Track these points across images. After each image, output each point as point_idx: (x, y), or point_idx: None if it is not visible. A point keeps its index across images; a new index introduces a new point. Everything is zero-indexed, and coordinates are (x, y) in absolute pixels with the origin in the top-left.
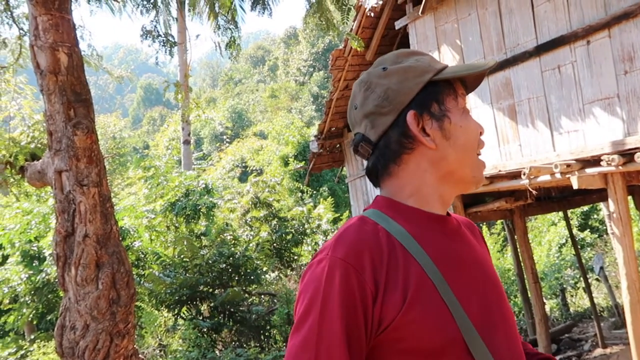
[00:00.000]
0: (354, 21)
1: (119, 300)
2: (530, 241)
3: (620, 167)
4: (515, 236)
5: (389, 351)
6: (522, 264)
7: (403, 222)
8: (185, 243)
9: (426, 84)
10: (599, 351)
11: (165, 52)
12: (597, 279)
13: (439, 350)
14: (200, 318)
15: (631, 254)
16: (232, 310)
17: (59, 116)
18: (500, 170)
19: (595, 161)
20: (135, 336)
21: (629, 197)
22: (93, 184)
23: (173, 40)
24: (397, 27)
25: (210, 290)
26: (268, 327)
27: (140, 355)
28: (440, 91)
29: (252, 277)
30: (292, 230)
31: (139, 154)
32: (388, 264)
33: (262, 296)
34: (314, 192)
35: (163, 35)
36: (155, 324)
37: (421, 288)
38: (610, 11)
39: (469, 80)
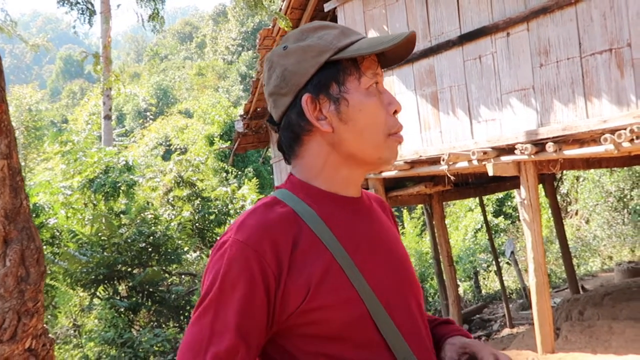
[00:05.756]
0: (283, 1)
1: (28, 278)
2: (447, 226)
3: (532, 156)
4: (433, 221)
5: (296, 336)
6: (438, 248)
7: (313, 203)
8: (103, 221)
9: (324, 64)
10: (506, 331)
11: (84, 21)
12: (507, 263)
13: (345, 335)
14: (118, 298)
15: (539, 239)
16: (151, 290)
17: None
18: (421, 156)
19: (510, 149)
20: (48, 316)
21: (540, 185)
22: (2, 156)
23: (93, 9)
24: (326, 9)
25: (129, 269)
26: (188, 308)
27: (50, 335)
28: (341, 71)
29: (172, 257)
30: (216, 210)
31: (57, 128)
32: (293, 248)
33: (183, 276)
34: (239, 172)
35: (82, 2)
36: (70, 304)
37: (328, 272)
38: (529, 5)
39: (390, 54)
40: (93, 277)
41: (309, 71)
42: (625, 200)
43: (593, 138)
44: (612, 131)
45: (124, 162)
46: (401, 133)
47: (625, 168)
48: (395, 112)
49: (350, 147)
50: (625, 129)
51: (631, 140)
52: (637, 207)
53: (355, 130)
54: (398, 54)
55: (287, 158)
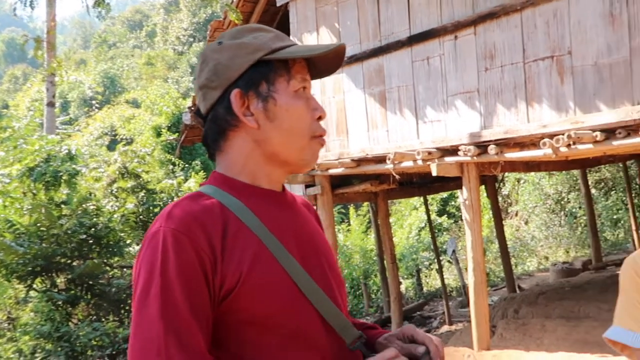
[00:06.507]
0: None
1: None
2: (392, 224)
3: (475, 158)
4: (378, 218)
5: (229, 322)
6: (382, 245)
7: (238, 195)
8: (42, 211)
9: (256, 62)
10: (445, 328)
11: (25, 4)
12: (449, 261)
13: (281, 315)
14: (55, 290)
15: (479, 239)
16: (90, 282)
17: None
18: (367, 154)
19: (453, 150)
20: None
21: (482, 186)
22: None
23: None
24: (278, 4)
25: (68, 261)
26: (129, 301)
27: None
28: (272, 71)
29: (114, 250)
30: (161, 203)
31: None
32: (223, 235)
33: (125, 269)
34: (186, 165)
35: None
36: (5, 296)
37: (258, 258)
38: (477, 10)
39: (321, 63)
40: (30, 268)
41: (242, 67)
42: (562, 202)
43: (533, 142)
44: (551, 136)
45: (67, 151)
46: (325, 137)
47: (563, 172)
48: (320, 118)
49: (274, 145)
50: (563, 134)
51: (568, 146)
52: (573, 210)
53: (280, 129)
54: (328, 66)
55: (211, 153)
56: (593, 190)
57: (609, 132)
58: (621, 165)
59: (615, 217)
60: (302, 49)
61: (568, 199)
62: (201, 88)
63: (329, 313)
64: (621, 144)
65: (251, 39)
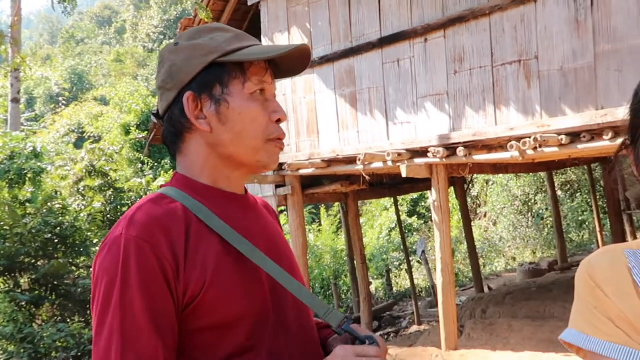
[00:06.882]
0: None
1: None
2: (363, 224)
3: (444, 159)
4: (348, 219)
5: (192, 328)
6: (352, 246)
7: (200, 198)
8: (6, 209)
9: (210, 64)
10: (414, 328)
11: None
12: (418, 261)
13: (245, 317)
14: (19, 290)
15: (447, 239)
16: (55, 282)
17: None
18: (338, 155)
19: (423, 152)
20: None
21: (450, 188)
22: None
23: None
24: (249, 3)
25: (32, 261)
26: None
27: None
28: (225, 73)
29: (80, 249)
30: (129, 202)
31: None
32: (186, 240)
33: (91, 269)
34: (155, 163)
35: None
36: None
37: (223, 260)
38: (447, 13)
39: (285, 63)
40: None
41: (195, 69)
42: (529, 204)
43: (500, 144)
44: (518, 138)
45: (32, 148)
46: (284, 140)
47: (530, 174)
48: (279, 120)
49: (227, 148)
50: (529, 137)
51: (534, 148)
52: (540, 211)
53: (232, 132)
54: (292, 66)
55: (171, 153)
56: (559, 192)
57: (574, 136)
58: (586, 167)
59: (580, 218)
60: (258, 50)
61: (535, 200)
62: (158, 88)
63: (310, 300)
64: (585, 147)
65: (207, 40)
